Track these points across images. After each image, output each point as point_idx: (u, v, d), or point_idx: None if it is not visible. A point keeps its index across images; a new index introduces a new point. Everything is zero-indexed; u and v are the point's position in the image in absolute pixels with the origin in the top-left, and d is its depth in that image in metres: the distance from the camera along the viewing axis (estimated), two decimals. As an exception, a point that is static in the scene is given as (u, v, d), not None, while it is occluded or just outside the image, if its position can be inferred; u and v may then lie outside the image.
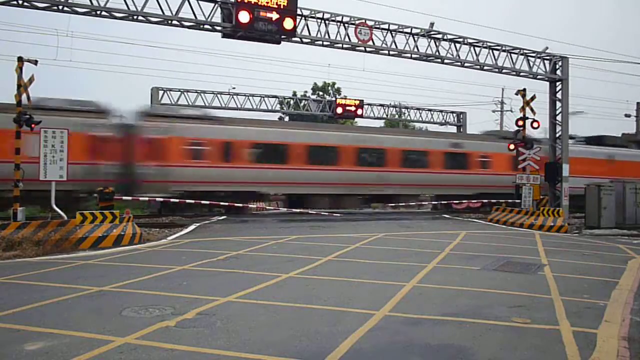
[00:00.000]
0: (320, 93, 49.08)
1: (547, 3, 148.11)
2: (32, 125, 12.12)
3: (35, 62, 12.28)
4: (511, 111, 43.15)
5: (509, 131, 29.00)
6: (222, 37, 16.24)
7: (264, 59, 74.36)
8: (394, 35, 18.57)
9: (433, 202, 25.97)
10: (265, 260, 9.71)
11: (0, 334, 5.07)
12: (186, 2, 15.31)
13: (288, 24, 15.92)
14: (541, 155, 20.02)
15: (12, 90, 12.14)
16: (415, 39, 18.85)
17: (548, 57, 21.09)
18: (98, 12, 14.51)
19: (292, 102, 35.68)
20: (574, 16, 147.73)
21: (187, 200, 18.19)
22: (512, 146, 20.08)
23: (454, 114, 35.93)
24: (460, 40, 19.55)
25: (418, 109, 35.53)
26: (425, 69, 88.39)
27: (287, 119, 40.22)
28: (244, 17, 15.32)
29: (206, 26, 15.82)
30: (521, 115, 19.94)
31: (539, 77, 21.20)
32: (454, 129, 35.90)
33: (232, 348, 4.69)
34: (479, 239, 13.86)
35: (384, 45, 18.41)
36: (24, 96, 12.18)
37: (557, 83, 21.11)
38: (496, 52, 20.15)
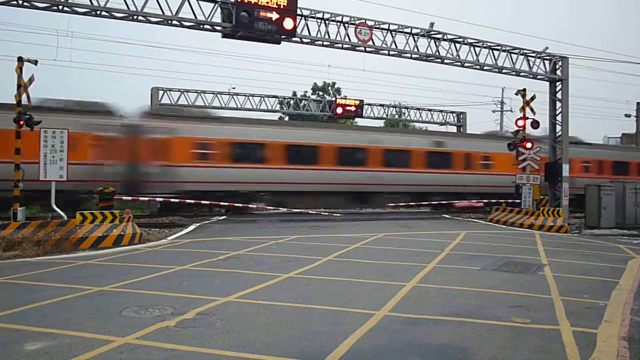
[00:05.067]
0: (320, 93, 49.08)
1: (547, 3, 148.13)
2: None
3: (35, 62, 12.28)
4: (511, 111, 43.26)
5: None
6: (222, 37, 16.22)
7: (264, 59, 74.47)
8: (394, 35, 18.56)
9: (433, 202, 24.55)
10: (265, 260, 9.71)
11: (0, 334, 5.07)
12: (186, 2, 15.30)
13: (288, 24, 15.92)
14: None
15: (12, 90, 12.16)
16: (415, 39, 18.84)
17: (548, 57, 21.09)
18: (98, 12, 14.50)
19: (292, 102, 35.70)
20: (574, 16, 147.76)
21: (187, 200, 18.19)
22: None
23: (454, 114, 35.96)
24: (460, 40, 19.54)
25: (418, 109, 35.56)
26: (425, 69, 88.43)
27: (287, 119, 40.22)
28: (243, 17, 15.32)
29: (206, 26, 15.80)
30: (521, 115, 19.97)
31: (539, 77, 21.18)
32: (453, 129, 35.94)
33: (232, 348, 4.69)
34: (479, 239, 13.86)
35: (384, 45, 18.39)
36: (24, 96, 12.19)
37: (557, 83, 21.09)
38: (496, 52, 20.14)
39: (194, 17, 15.47)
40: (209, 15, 15.60)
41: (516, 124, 20.65)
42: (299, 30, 16.61)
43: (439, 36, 19.19)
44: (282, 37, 16.36)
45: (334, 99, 36.96)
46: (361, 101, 32.29)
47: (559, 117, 20.90)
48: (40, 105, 16.38)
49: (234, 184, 19.91)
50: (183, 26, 15.77)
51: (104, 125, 18.24)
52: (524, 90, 19.84)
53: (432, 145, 24.15)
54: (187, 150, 19.29)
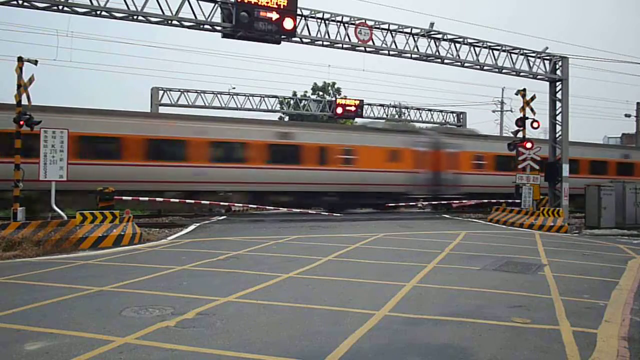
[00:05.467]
0: (320, 93, 49.04)
1: (547, 3, 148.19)
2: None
3: (35, 62, 12.29)
4: (511, 111, 43.30)
5: None
6: (222, 37, 16.22)
7: (264, 59, 74.52)
8: (394, 35, 18.56)
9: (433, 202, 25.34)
10: (265, 260, 9.71)
11: (0, 334, 5.07)
12: (186, 2, 15.29)
13: (288, 24, 15.91)
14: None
15: (12, 90, 12.16)
16: (415, 39, 18.84)
17: (548, 57, 21.08)
18: (98, 12, 14.50)
19: (292, 102, 35.69)
20: (574, 16, 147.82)
21: (187, 200, 18.17)
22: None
23: (454, 114, 35.96)
24: (460, 40, 19.54)
25: (418, 109, 35.56)
26: (425, 69, 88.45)
27: (287, 119, 40.21)
28: (243, 17, 15.32)
29: (206, 26, 15.80)
30: (521, 115, 19.96)
31: (539, 77, 21.18)
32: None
33: (232, 348, 4.69)
34: (479, 239, 13.86)
35: (384, 45, 18.39)
36: (23, 96, 12.19)
37: (557, 83, 21.09)
38: (496, 52, 20.14)
39: (194, 17, 15.47)
40: (209, 15, 15.60)
41: (516, 124, 20.66)
42: (299, 30, 16.61)
43: (439, 36, 19.19)
44: (282, 37, 16.35)
45: (334, 99, 36.97)
46: (361, 101, 32.30)
47: (559, 117, 20.89)
48: (368, 126, 25.96)
49: (494, 187, 24.14)
50: (183, 26, 15.77)
51: (415, 142, 23.71)
52: (524, 90, 19.84)
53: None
54: (468, 161, 24.66)
